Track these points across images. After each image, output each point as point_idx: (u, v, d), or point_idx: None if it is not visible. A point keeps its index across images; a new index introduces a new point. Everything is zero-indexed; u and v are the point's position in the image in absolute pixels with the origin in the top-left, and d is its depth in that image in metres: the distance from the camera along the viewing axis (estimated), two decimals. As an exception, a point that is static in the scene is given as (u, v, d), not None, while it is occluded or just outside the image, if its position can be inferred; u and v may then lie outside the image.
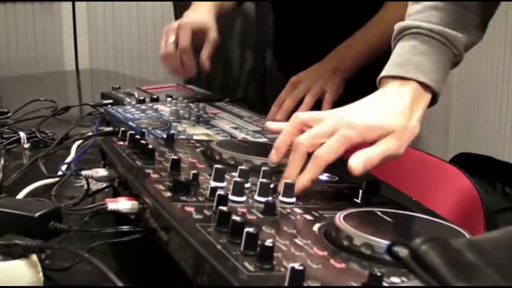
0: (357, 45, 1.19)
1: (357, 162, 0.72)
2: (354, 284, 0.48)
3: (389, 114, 0.77)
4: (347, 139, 0.73)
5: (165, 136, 0.89)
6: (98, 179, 0.78)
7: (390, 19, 1.19)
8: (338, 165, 0.74)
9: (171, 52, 1.28)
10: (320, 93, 1.16)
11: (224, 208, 0.55)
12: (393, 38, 0.86)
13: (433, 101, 0.81)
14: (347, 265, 0.51)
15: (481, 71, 3.10)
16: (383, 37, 1.20)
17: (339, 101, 1.17)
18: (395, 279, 0.48)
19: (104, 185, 0.85)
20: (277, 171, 0.75)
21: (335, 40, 1.22)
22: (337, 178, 0.78)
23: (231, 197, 0.62)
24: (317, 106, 1.15)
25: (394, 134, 0.75)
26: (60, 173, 0.92)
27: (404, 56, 0.82)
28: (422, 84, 0.79)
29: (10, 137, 1.12)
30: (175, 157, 0.71)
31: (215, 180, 0.68)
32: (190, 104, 1.28)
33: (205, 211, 0.59)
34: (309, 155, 0.73)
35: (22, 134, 1.12)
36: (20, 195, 0.84)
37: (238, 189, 0.63)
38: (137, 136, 0.81)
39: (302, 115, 0.79)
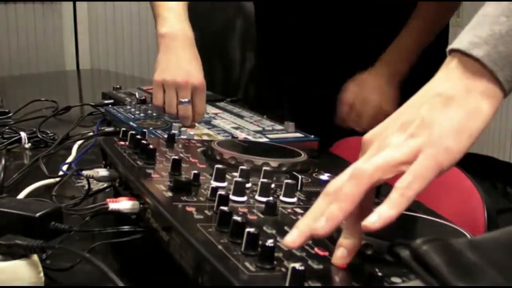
0: (405, 46, 1.18)
1: None
2: (355, 284, 0.48)
3: None
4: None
5: (166, 136, 0.89)
6: (99, 179, 0.78)
7: (429, 16, 1.17)
8: (338, 166, 0.74)
9: (188, 116, 1.11)
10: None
11: (225, 208, 0.55)
12: None
13: None
14: (348, 266, 0.51)
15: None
16: (428, 31, 1.17)
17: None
18: (395, 279, 0.48)
19: (105, 185, 0.85)
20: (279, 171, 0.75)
21: (325, 43, 1.22)
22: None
23: (232, 197, 0.62)
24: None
25: None
26: (61, 173, 0.92)
27: None
28: None
29: (11, 137, 1.12)
30: (176, 157, 0.71)
31: (216, 180, 0.68)
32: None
33: (206, 211, 0.59)
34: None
35: (23, 134, 1.13)
36: (21, 195, 0.84)
37: (239, 189, 0.63)
38: (138, 136, 0.81)
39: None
